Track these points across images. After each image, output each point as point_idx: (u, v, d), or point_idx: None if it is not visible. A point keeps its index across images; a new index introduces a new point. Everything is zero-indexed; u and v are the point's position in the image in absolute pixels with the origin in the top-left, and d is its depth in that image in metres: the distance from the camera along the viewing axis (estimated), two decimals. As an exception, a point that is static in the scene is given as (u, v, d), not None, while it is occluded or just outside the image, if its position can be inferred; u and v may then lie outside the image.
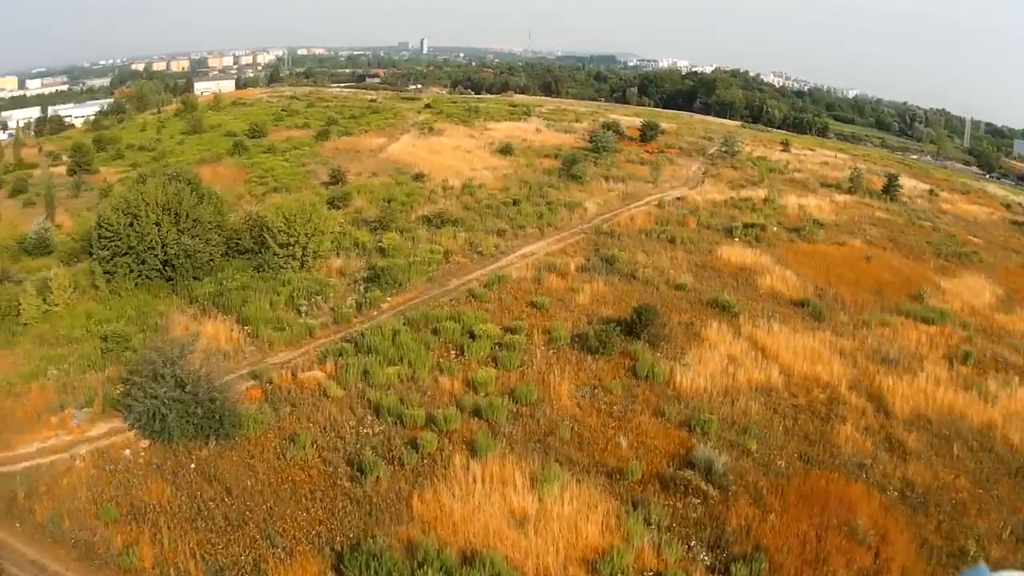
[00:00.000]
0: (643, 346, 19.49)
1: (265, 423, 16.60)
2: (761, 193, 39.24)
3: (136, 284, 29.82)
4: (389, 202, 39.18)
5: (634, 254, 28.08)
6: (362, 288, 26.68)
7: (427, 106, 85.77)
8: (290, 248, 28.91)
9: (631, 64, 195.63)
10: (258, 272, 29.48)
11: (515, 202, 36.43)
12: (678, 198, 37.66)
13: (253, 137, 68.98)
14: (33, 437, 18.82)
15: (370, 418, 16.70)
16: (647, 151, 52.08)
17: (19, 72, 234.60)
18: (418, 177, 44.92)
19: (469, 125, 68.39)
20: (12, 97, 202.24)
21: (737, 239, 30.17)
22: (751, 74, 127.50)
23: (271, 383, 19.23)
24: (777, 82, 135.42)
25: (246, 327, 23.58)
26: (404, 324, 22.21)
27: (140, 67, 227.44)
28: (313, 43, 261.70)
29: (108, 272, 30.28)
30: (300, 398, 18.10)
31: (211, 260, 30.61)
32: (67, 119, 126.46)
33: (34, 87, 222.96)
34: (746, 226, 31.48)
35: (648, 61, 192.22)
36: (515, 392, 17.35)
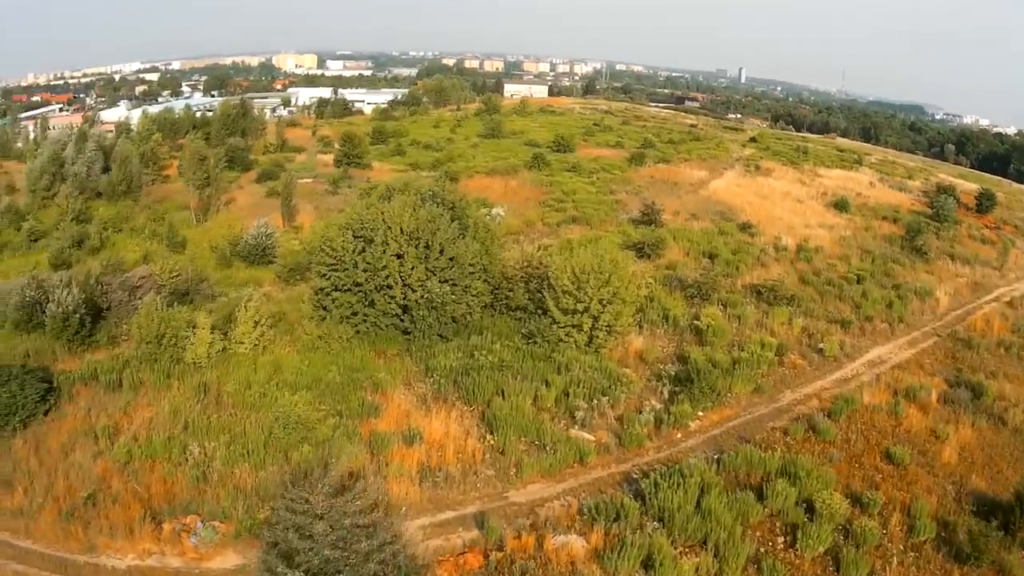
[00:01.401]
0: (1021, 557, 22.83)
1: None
2: None
3: (357, 332, 38.38)
4: (711, 258, 53.37)
5: (1000, 382, 35.95)
6: (665, 392, 33.40)
7: (752, 139, 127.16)
8: (577, 316, 35.50)
9: (937, 117, 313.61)
10: (528, 343, 36.79)
11: (858, 279, 50.83)
12: (1030, 295, 48.58)
13: (557, 151, 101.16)
14: (129, 545, 23.86)
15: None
16: (986, 225, 72.49)
17: (322, 51, 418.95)
18: (745, 227, 62.88)
19: (798, 168, 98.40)
20: (308, 75, 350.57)
21: None
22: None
23: (500, 548, 22.85)
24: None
25: (491, 434, 30.00)
26: (716, 471, 26.94)
27: (451, 62, 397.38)
28: (632, 59, 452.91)
29: (322, 307, 39.63)
30: (540, 585, 21.05)
31: (467, 316, 38.18)
32: (355, 104, 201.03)
33: (335, 68, 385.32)
34: None
35: (952, 116, 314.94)
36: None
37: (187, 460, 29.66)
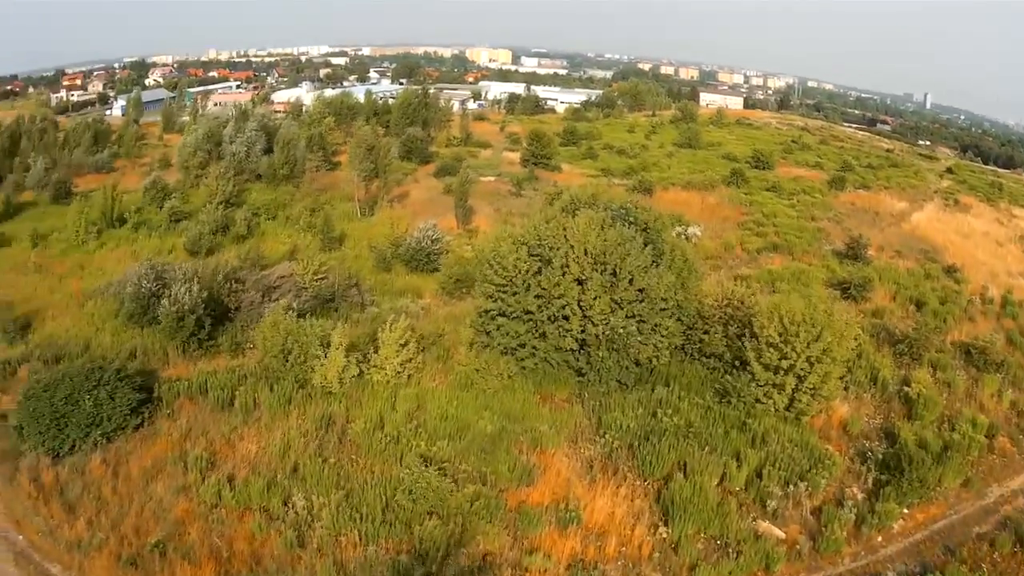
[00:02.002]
0: None
1: None
2: None
3: (522, 367, 39.77)
4: (918, 306, 56.85)
5: None
6: (869, 480, 34.14)
7: (948, 170, 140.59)
8: (780, 375, 36.45)
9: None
10: (721, 401, 37.76)
11: (1069, 347, 50.50)
12: None
13: (756, 167, 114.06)
14: None
15: None
16: None
17: (516, 48, 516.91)
18: (950, 271, 66.98)
19: (994, 205, 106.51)
20: (501, 70, 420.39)
21: None
22: None
23: None
24: None
25: (664, 524, 30.14)
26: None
27: (646, 67, 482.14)
28: (823, 77, 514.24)
29: (485, 332, 41.00)
30: None
31: (652, 359, 39.08)
32: (547, 102, 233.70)
33: (529, 65, 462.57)
34: None
35: None
36: None
37: (286, 515, 29.55)
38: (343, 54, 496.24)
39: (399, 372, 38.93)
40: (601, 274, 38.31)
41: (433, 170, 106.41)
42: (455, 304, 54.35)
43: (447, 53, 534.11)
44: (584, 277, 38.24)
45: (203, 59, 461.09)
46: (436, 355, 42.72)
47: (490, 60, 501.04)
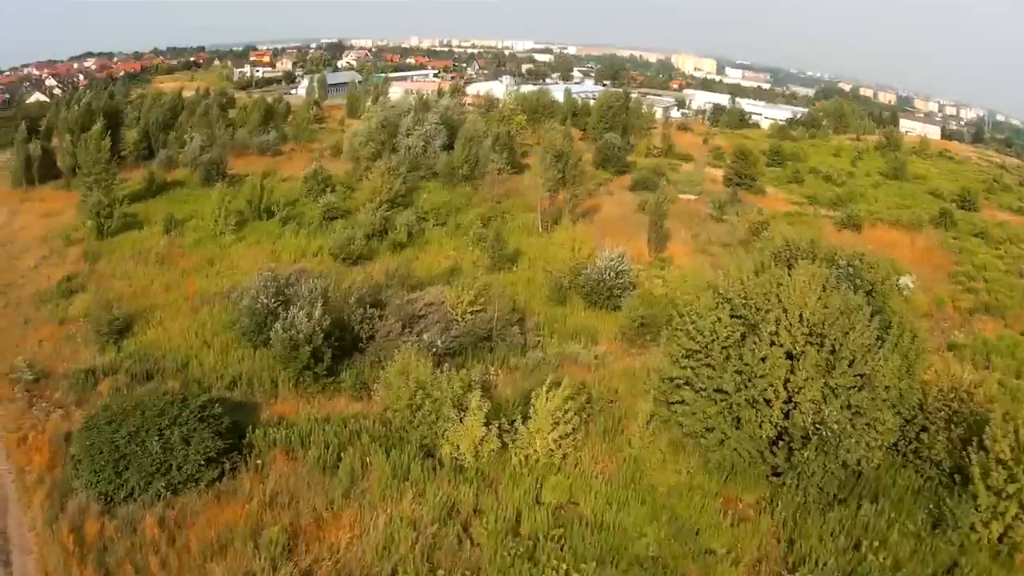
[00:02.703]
0: None
1: None
2: None
3: (706, 460, 36.91)
4: None
5: None
6: None
7: None
8: (1006, 500, 32.88)
9: None
10: (935, 528, 34.45)
11: None
12: None
13: (962, 207, 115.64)
14: None
15: None
16: None
17: (720, 57, 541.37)
18: None
19: None
20: (705, 79, 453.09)
21: None
22: None
23: None
24: None
25: None
26: None
27: (846, 87, 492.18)
28: (1012, 112, 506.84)
29: (667, 402, 38.23)
30: None
31: (862, 461, 35.47)
32: (751, 116, 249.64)
33: (733, 76, 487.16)
34: None
35: None
36: None
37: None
38: (548, 51, 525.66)
39: (552, 451, 35.61)
40: (817, 350, 34.95)
41: (629, 182, 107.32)
42: (636, 355, 51.33)
43: (652, 58, 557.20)
44: (796, 351, 34.98)
45: (404, 45, 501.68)
46: (602, 427, 39.49)
47: (695, 68, 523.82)
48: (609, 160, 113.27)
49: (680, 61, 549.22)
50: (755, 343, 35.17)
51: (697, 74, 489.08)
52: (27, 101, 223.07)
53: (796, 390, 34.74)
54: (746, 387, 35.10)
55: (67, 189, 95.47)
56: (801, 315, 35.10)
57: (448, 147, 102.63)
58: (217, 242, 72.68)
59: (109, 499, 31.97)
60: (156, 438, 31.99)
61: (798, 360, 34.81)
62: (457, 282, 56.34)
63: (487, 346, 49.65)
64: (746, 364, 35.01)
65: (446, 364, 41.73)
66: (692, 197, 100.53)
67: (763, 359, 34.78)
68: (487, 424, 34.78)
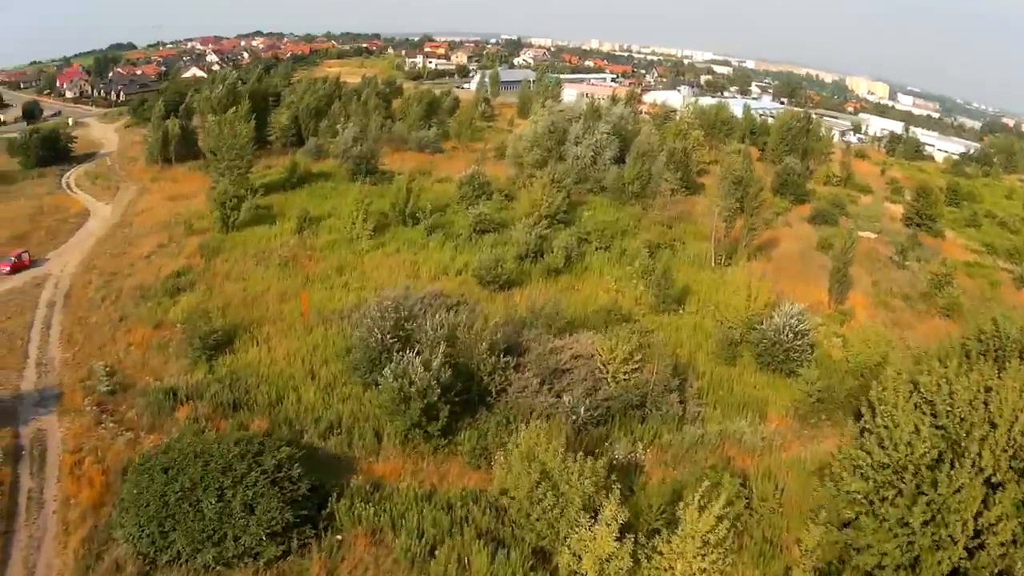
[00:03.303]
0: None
1: None
2: None
3: None
4: None
5: None
6: None
7: None
8: None
9: None
10: None
11: None
12: None
13: None
14: None
15: None
16: None
17: (893, 82, 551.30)
18: None
19: None
20: (878, 104, 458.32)
21: None
22: None
23: None
24: None
25: None
26: None
27: (1010, 123, 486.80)
28: None
29: (842, 522, 34.76)
30: None
31: None
32: (925, 148, 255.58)
33: (905, 103, 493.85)
34: None
35: None
36: None
37: None
38: (726, 63, 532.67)
39: (699, 576, 30.67)
40: (1018, 483, 31.48)
41: (808, 212, 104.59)
42: (809, 437, 47.38)
43: (828, 78, 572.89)
44: (997, 479, 31.45)
45: (584, 47, 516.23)
46: (759, 545, 35.65)
47: (868, 92, 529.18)
48: (787, 186, 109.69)
49: (854, 83, 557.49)
50: (954, 469, 31.63)
51: (870, 98, 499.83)
52: (182, 76, 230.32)
53: (987, 526, 31.36)
54: (934, 522, 31.70)
55: (205, 172, 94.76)
56: (1010, 434, 31.71)
57: (619, 160, 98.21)
58: (352, 247, 69.32)
59: (151, 561, 29.45)
60: (214, 499, 28.98)
61: (996, 491, 31.39)
62: (612, 331, 50.58)
63: (638, 415, 44.45)
64: (939, 494, 31.55)
65: (585, 434, 37.99)
66: (871, 235, 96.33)
67: (959, 490, 31.26)
68: (620, 538, 29.79)
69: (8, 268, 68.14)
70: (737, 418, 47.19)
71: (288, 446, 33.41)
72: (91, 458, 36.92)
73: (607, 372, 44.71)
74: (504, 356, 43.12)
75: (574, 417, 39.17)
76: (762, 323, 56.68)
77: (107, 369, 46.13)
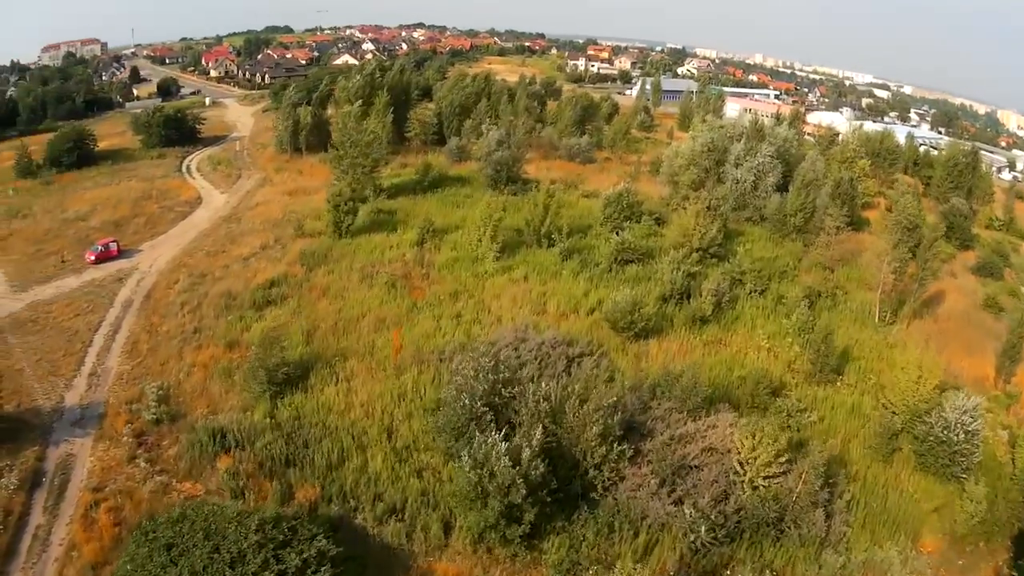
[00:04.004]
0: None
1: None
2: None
3: None
4: None
5: None
6: None
7: None
8: None
9: None
10: None
11: None
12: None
13: None
14: None
15: None
16: None
17: None
18: None
19: None
20: None
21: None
22: None
23: None
24: None
25: None
26: None
27: None
28: None
29: None
30: None
31: None
32: None
33: None
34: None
35: None
36: None
37: None
38: (884, 87, 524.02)
39: None
40: None
41: (973, 261, 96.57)
42: (964, 569, 41.44)
43: (981, 109, 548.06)
44: None
45: (748, 61, 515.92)
46: None
47: (1018, 127, 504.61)
48: (953, 230, 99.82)
49: (1004, 117, 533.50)
50: None
51: (1020, 133, 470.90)
52: (333, 62, 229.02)
53: None
54: None
55: (334, 165, 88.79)
56: None
57: (781, 187, 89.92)
58: (474, 268, 62.72)
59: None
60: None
61: None
62: (758, 415, 43.84)
63: (773, 533, 37.09)
64: None
65: (704, 555, 32.37)
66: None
67: None
68: None
69: (93, 257, 65.54)
70: (887, 543, 39.95)
71: (326, 537, 28.02)
72: (111, 502, 33.54)
73: (743, 475, 36.55)
74: (619, 443, 35.78)
75: (693, 536, 32.33)
76: (929, 413, 48.27)
77: (160, 392, 42.09)
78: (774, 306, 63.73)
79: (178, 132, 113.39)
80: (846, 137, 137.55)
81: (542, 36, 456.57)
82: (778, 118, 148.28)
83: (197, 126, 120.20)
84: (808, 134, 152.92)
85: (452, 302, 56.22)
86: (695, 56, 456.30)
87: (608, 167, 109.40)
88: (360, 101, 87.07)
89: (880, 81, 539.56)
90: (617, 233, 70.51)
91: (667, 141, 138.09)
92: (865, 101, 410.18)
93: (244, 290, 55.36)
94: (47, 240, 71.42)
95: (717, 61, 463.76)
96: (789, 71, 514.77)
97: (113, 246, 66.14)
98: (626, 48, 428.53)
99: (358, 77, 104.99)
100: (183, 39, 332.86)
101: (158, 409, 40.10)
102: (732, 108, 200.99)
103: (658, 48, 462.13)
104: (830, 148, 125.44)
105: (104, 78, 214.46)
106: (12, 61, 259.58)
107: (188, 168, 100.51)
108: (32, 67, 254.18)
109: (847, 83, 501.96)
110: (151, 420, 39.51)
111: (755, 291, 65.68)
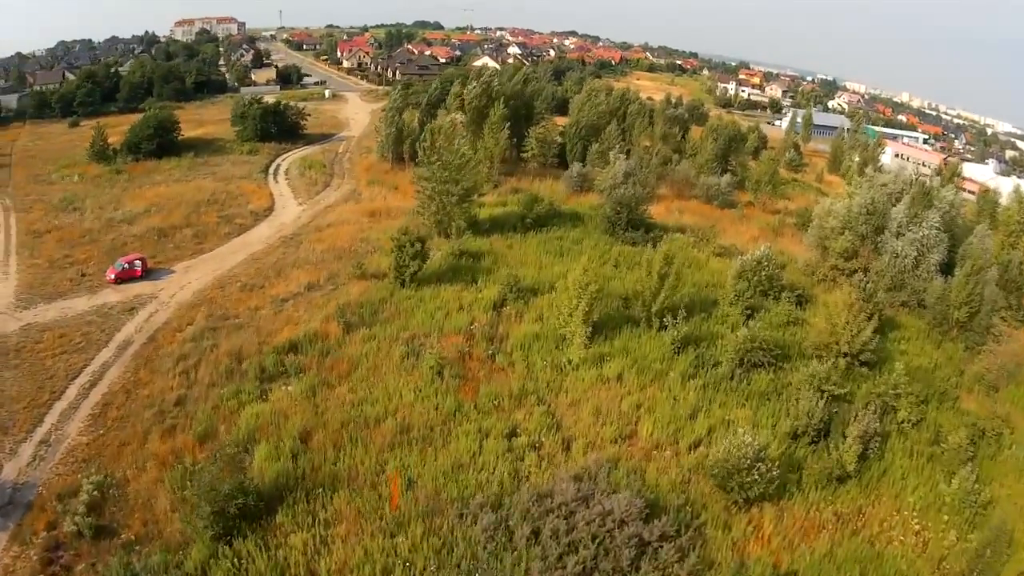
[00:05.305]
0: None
1: None
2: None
3: None
4: None
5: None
6: None
7: None
8: None
9: None
10: None
11: None
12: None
13: None
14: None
15: None
16: None
17: None
18: None
19: None
20: None
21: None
22: None
23: None
24: None
25: None
26: None
27: None
28: None
29: None
30: None
31: None
32: None
33: None
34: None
35: None
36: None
37: None
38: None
39: None
40: None
41: None
42: None
43: None
44: None
45: (895, 99, 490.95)
46: None
47: None
48: None
49: None
50: None
51: None
52: (473, 63, 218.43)
53: None
54: None
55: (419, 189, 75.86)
56: None
57: (945, 268, 71.00)
58: (556, 354, 48.07)
59: None
60: None
61: None
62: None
63: None
64: None
65: None
66: None
67: None
68: None
69: (114, 276, 55.97)
70: None
71: None
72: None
73: None
74: None
75: None
76: None
77: (94, 493, 31.85)
78: (929, 449, 45.83)
79: (277, 126, 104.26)
80: (1011, 201, 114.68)
81: (695, 55, 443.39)
82: (939, 173, 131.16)
83: (300, 121, 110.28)
84: (968, 191, 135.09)
85: (513, 408, 41.58)
86: (844, 90, 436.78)
87: (750, 215, 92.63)
88: (462, 112, 74.07)
89: (1019, 131, 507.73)
90: (747, 321, 54.65)
91: (816, 185, 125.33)
92: (1010, 154, 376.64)
93: (257, 352, 43.48)
94: (80, 244, 62.42)
95: (866, 97, 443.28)
96: (934, 113, 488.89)
97: (138, 264, 56.12)
98: (777, 75, 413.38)
99: (475, 84, 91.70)
100: (328, 25, 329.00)
101: (83, 520, 29.98)
102: (886, 155, 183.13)
103: (808, 78, 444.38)
104: (992, 213, 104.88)
105: (232, 59, 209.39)
106: (146, 32, 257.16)
107: (276, 169, 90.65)
108: (162, 40, 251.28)
109: (989, 131, 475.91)
110: (72, 532, 29.79)
111: (909, 421, 48.16)
